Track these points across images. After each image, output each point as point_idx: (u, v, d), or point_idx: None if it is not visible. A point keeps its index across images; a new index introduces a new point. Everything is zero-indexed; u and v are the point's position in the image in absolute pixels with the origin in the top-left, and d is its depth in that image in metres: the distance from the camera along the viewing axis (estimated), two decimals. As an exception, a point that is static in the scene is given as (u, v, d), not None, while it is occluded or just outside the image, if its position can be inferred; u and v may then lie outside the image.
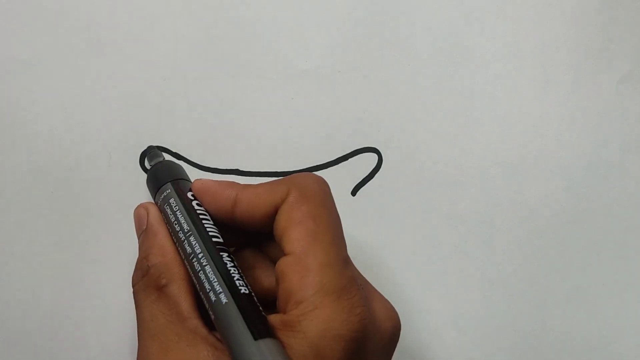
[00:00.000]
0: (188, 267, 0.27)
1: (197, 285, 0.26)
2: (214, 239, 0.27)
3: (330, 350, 0.23)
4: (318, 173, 0.38)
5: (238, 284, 0.25)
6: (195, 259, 0.26)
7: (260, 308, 0.25)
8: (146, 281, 0.27)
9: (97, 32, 0.37)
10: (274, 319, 0.25)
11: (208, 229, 0.27)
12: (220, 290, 0.25)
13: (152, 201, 0.31)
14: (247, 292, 0.25)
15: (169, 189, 0.30)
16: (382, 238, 0.38)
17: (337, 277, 0.25)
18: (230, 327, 0.24)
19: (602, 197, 0.39)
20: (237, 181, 0.37)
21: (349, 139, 0.38)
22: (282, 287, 0.25)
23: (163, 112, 0.37)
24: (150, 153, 0.35)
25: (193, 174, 0.37)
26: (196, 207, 0.29)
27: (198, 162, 0.37)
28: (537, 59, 0.39)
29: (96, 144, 0.37)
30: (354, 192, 0.38)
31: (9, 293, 0.36)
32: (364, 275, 0.28)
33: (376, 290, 0.28)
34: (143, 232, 0.29)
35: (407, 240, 0.38)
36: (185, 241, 0.27)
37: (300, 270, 0.25)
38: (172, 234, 0.28)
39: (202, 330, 0.25)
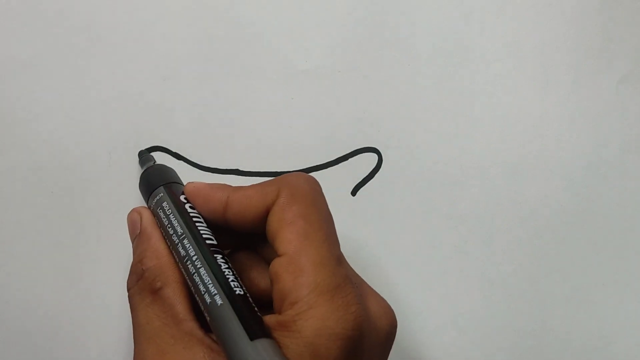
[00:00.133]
0: (182, 269, 0.27)
1: (192, 288, 0.26)
2: (207, 241, 0.27)
3: (326, 349, 0.23)
4: (318, 173, 0.38)
5: (233, 285, 0.25)
6: (189, 261, 0.26)
7: (256, 309, 0.25)
8: (141, 285, 0.27)
9: (97, 32, 0.37)
10: (269, 319, 0.25)
11: (202, 232, 0.27)
12: (215, 292, 0.25)
13: (145, 206, 0.31)
14: (242, 293, 0.25)
15: (161, 193, 0.30)
16: (382, 238, 0.38)
17: (330, 276, 0.25)
18: (226, 328, 0.24)
19: (602, 197, 0.39)
20: (237, 181, 0.37)
21: (349, 139, 0.38)
22: (277, 288, 0.25)
23: (163, 112, 0.37)
24: (142, 157, 0.35)
25: (193, 173, 0.37)
26: (189, 210, 0.28)
27: (198, 162, 0.37)
28: (537, 59, 0.39)
29: (96, 144, 0.37)
30: (354, 192, 0.38)
31: (9, 293, 0.36)
32: (364, 275, 0.28)
33: (371, 288, 0.28)
34: (137, 236, 0.29)
35: (407, 240, 0.38)
36: (179, 244, 0.27)
37: (293, 271, 0.25)
38: (166, 237, 0.28)
39: (198, 332, 0.25)
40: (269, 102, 0.38)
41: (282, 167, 0.38)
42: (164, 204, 0.29)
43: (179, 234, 0.27)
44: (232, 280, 0.25)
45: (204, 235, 0.27)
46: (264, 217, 0.27)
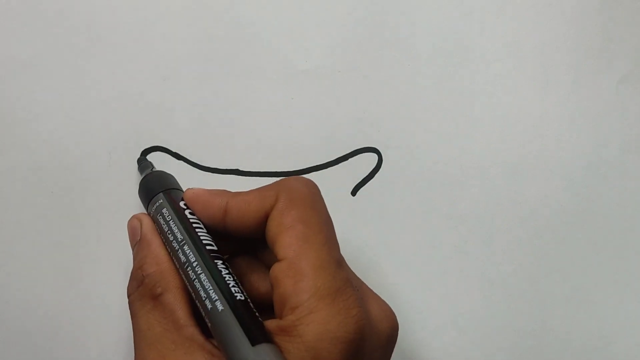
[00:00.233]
0: (183, 275, 0.27)
1: (193, 294, 0.26)
2: (207, 247, 0.27)
3: (327, 353, 0.23)
4: (318, 173, 0.38)
5: (234, 291, 0.25)
6: (189, 267, 0.26)
7: (257, 314, 0.25)
8: (141, 291, 0.27)
9: (97, 32, 0.37)
10: (270, 324, 0.25)
11: (202, 238, 0.27)
12: (216, 297, 0.25)
13: (145, 212, 0.31)
14: (242, 298, 0.25)
15: (161, 199, 0.30)
16: (382, 238, 0.38)
17: (331, 279, 0.25)
18: (228, 333, 0.24)
19: (602, 197, 0.39)
20: (237, 181, 0.37)
21: (349, 139, 0.38)
22: (277, 293, 0.25)
23: (163, 112, 0.37)
24: (141, 164, 0.35)
25: (193, 174, 0.37)
26: (189, 216, 0.29)
27: (198, 162, 0.37)
28: (537, 59, 0.39)
29: (96, 144, 0.37)
30: (354, 192, 0.38)
31: (9, 293, 0.36)
32: (364, 275, 0.28)
33: (372, 291, 0.28)
34: (137, 242, 0.29)
35: (407, 240, 0.38)
36: (179, 250, 0.27)
37: (293, 275, 0.25)
38: (166, 243, 0.28)
39: (199, 337, 0.25)
40: (269, 102, 0.38)
41: (282, 167, 0.38)
42: (164, 211, 0.29)
43: (179, 240, 0.27)
44: (233, 286, 0.25)
45: (204, 241, 0.27)
46: (263, 222, 0.27)
